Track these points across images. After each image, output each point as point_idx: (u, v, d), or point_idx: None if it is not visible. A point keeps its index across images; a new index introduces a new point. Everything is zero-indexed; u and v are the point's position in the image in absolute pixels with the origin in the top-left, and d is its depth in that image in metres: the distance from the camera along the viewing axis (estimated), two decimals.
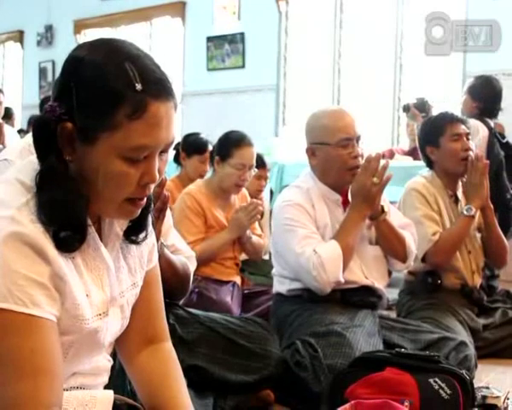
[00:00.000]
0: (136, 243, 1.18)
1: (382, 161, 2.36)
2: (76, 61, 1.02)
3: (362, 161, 2.35)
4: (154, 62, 1.03)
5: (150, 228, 1.20)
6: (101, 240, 1.12)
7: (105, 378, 1.22)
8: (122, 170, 1.01)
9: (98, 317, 1.09)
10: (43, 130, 1.02)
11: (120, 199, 1.05)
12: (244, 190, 3.12)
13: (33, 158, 1.08)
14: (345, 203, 2.43)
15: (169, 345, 1.29)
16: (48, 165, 1.02)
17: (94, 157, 1.01)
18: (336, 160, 2.36)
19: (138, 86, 0.98)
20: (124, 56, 1.00)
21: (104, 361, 1.21)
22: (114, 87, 0.98)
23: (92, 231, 1.08)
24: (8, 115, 6.61)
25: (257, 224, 3.26)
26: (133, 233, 1.16)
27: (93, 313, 1.08)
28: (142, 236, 1.17)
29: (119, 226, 1.15)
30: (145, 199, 1.09)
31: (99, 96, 0.98)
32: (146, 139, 1.00)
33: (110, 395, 1.13)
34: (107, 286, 1.12)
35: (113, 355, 1.31)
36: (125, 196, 1.05)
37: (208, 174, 3.37)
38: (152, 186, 1.07)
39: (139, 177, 1.03)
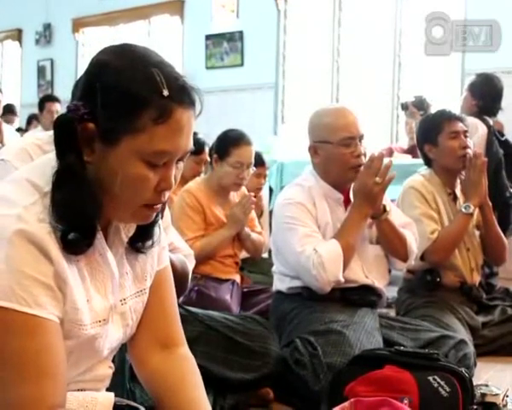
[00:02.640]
0: (140, 251, 1.17)
1: (386, 160, 2.35)
2: (102, 65, 1.02)
3: (365, 160, 2.34)
4: (175, 70, 1.05)
5: (158, 234, 1.19)
6: None
7: (106, 383, 1.20)
8: (142, 173, 1.02)
9: (97, 324, 1.08)
10: (65, 128, 1.02)
11: (136, 205, 1.05)
12: (243, 189, 3.12)
13: (44, 159, 1.08)
14: (346, 202, 2.43)
15: (185, 350, 1.25)
16: (66, 164, 1.01)
17: (114, 159, 1.01)
18: (338, 158, 2.35)
19: (165, 92, 0.99)
20: (150, 62, 1.02)
21: (105, 370, 1.18)
22: (141, 91, 0.99)
23: (100, 236, 1.08)
24: (11, 111, 6.64)
25: (256, 221, 3.27)
26: (139, 241, 1.16)
27: (92, 319, 1.06)
28: (148, 244, 1.16)
29: (125, 233, 1.14)
30: (160, 205, 1.09)
31: (125, 99, 0.99)
32: (168, 144, 1.01)
33: (111, 397, 1.13)
34: (110, 293, 1.11)
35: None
36: (142, 202, 1.05)
37: (203, 174, 3.37)
38: (167, 194, 1.07)
39: (156, 183, 1.04)
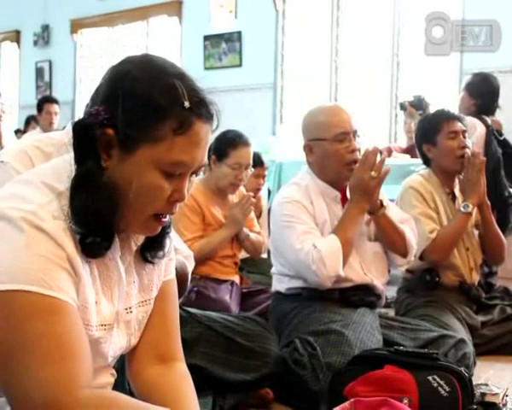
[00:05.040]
0: (149, 262, 1.16)
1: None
2: (124, 73, 1.03)
3: (360, 156, 2.34)
4: (195, 83, 1.06)
5: (169, 245, 1.19)
6: None
7: (108, 390, 1.19)
8: (158, 182, 1.03)
9: (103, 327, 1.08)
10: (85, 133, 1.02)
11: (148, 213, 1.06)
12: (242, 189, 3.12)
13: (60, 161, 1.08)
14: (343, 200, 2.43)
15: (183, 366, 1.24)
16: (85, 169, 1.02)
17: (130, 166, 1.02)
18: (333, 155, 2.36)
19: (186, 104, 1.01)
20: (173, 73, 1.04)
21: (108, 378, 1.18)
22: (164, 101, 1.00)
23: (116, 241, 1.08)
24: None
25: (255, 221, 3.26)
26: (150, 250, 1.15)
27: (98, 322, 1.06)
28: (159, 255, 1.17)
29: (134, 241, 1.14)
30: (167, 217, 1.10)
31: (147, 107, 1.00)
32: (186, 156, 1.03)
33: None
34: (116, 299, 1.11)
35: None
36: (154, 211, 1.06)
37: (201, 174, 3.36)
38: (178, 205, 1.08)
39: (170, 193, 1.04)
